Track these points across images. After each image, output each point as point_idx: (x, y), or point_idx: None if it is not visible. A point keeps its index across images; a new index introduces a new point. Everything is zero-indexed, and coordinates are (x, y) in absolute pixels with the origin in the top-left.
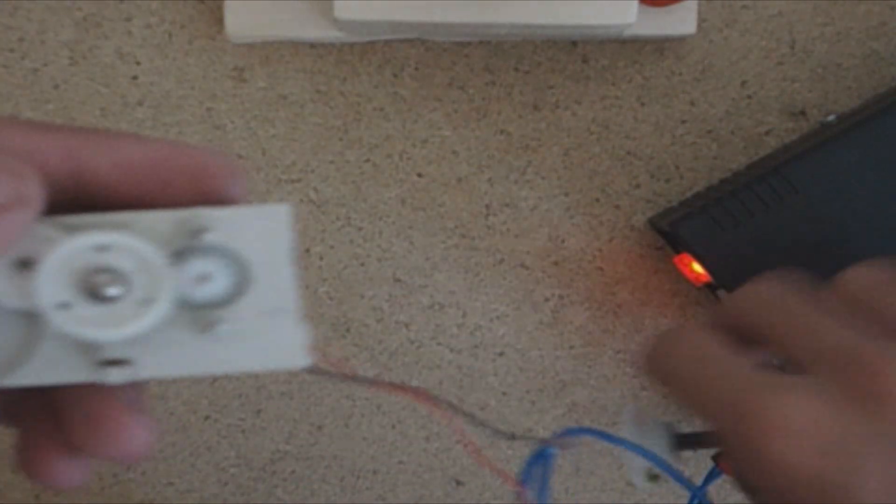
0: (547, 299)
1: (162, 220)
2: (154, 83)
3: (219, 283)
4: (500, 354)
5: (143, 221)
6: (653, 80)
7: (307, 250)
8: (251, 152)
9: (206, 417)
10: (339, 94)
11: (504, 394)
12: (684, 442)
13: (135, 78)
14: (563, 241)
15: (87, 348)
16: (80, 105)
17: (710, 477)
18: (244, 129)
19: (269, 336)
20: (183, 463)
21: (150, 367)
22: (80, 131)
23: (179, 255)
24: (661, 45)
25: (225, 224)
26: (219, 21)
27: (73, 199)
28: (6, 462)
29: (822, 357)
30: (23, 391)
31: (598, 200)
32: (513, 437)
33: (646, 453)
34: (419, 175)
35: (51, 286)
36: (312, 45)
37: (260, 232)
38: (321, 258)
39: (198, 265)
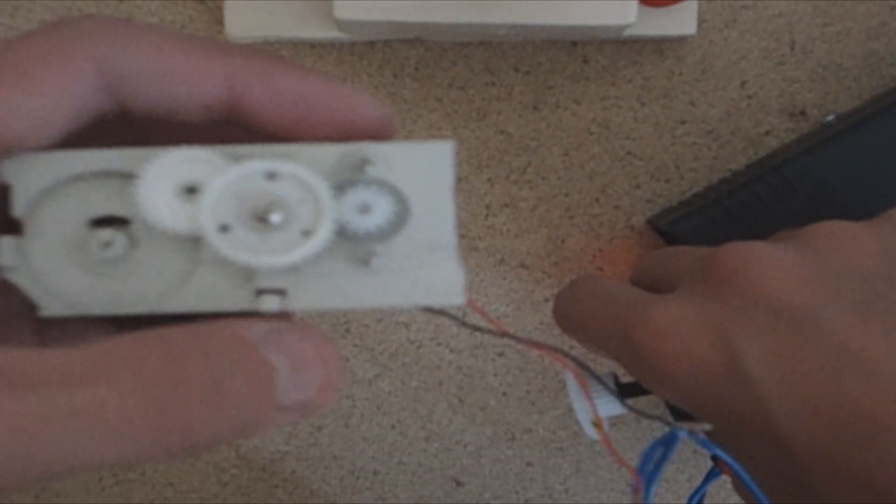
0: (547, 299)
1: (327, 153)
2: None
3: (379, 216)
4: (500, 354)
5: (309, 153)
6: (653, 80)
7: None
8: None
9: None
10: None
11: (504, 394)
12: (628, 391)
13: None
14: (563, 241)
15: (242, 277)
16: None
17: (709, 476)
18: None
19: (426, 272)
20: (183, 463)
21: (304, 297)
22: (237, 57)
23: (342, 187)
24: (661, 45)
25: (388, 159)
26: (219, 21)
27: (228, 126)
28: None
29: (688, 273)
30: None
31: (598, 200)
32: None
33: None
34: None
35: (215, 210)
36: (312, 46)
37: (422, 168)
38: None
39: (359, 197)
